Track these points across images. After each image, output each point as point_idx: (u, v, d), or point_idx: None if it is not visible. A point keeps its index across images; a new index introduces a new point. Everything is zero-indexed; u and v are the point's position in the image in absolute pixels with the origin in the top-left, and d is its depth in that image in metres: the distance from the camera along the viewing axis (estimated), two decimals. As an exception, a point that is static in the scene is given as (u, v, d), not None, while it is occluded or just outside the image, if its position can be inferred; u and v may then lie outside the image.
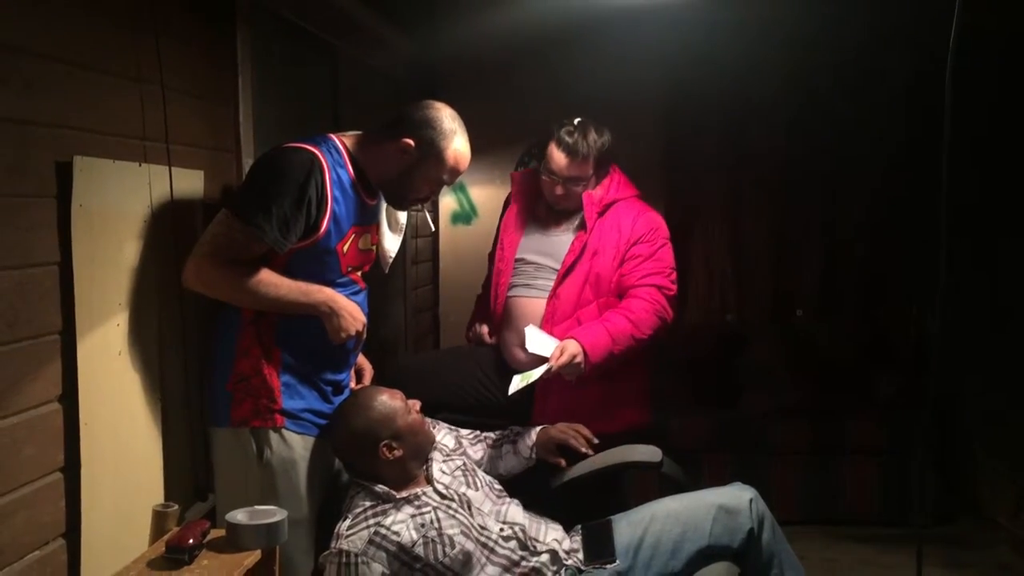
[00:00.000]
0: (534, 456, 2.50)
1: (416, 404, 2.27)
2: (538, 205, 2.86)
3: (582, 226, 2.74)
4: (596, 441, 2.49)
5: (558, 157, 2.68)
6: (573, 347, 2.52)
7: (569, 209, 2.78)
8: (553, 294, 2.71)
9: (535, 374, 2.50)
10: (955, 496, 4.05)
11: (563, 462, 2.49)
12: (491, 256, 3.00)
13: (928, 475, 3.96)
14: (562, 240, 2.77)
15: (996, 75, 3.72)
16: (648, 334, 2.63)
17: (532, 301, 2.75)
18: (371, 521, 2.06)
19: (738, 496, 2.26)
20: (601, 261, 2.69)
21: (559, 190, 2.71)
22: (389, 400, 2.22)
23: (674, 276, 2.75)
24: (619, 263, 2.69)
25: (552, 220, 2.82)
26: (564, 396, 2.65)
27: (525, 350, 2.60)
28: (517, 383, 2.49)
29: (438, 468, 2.28)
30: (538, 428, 2.54)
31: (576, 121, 2.71)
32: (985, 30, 3.11)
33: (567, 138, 2.67)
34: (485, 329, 2.89)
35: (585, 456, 2.48)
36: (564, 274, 2.70)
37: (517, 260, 2.81)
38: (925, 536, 3.74)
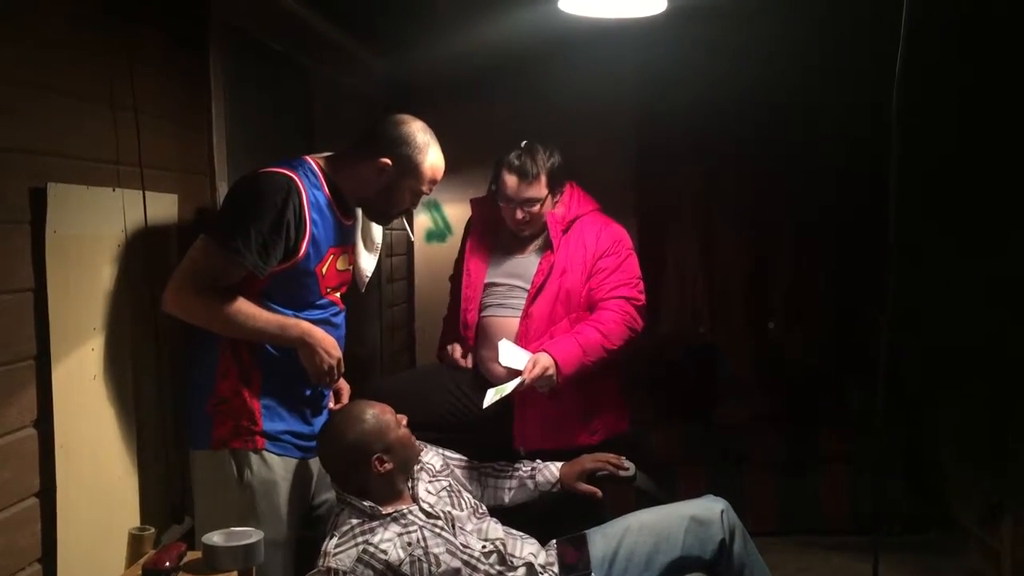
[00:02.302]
0: (556, 490, 2.53)
1: (404, 419, 2.29)
2: (501, 230, 2.88)
3: (548, 245, 2.78)
4: (627, 466, 2.55)
5: (510, 181, 2.71)
6: (545, 360, 2.57)
7: (533, 233, 2.82)
8: (525, 314, 2.75)
9: (508, 387, 2.54)
10: (925, 503, 4.11)
11: (599, 492, 2.53)
12: (453, 279, 3.04)
13: (897, 484, 4.01)
14: (529, 260, 2.81)
15: (958, 76, 3.81)
16: (619, 344, 2.69)
17: (506, 320, 2.79)
18: (359, 539, 2.07)
19: (710, 508, 2.30)
20: (570, 278, 2.74)
21: (519, 214, 2.74)
22: (381, 414, 2.23)
23: (641, 286, 2.80)
24: (587, 278, 2.74)
25: (516, 244, 2.85)
26: (542, 409, 2.69)
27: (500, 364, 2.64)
28: (491, 397, 2.53)
29: (424, 488, 2.29)
30: (559, 464, 2.57)
31: (523, 143, 2.75)
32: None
33: (516, 161, 2.71)
34: (458, 352, 2.90)
35: (626, 479, 2.53)
36: (535, 294, 2.74)
37: (487, 284, 2.85)
38: (896, 544, 3.85)
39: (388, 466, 2.18)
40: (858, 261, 4.47)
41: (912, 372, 4.28)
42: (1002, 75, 3.47)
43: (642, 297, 2.79)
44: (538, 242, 2.82)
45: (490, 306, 2.83)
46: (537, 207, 2.73)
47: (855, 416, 4.18)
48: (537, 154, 2.71)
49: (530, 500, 2.55)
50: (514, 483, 2.54)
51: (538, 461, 2.61)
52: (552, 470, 2.56)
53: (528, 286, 2.76)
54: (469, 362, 2.88)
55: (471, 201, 2.99)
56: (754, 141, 4.62)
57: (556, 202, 2.80)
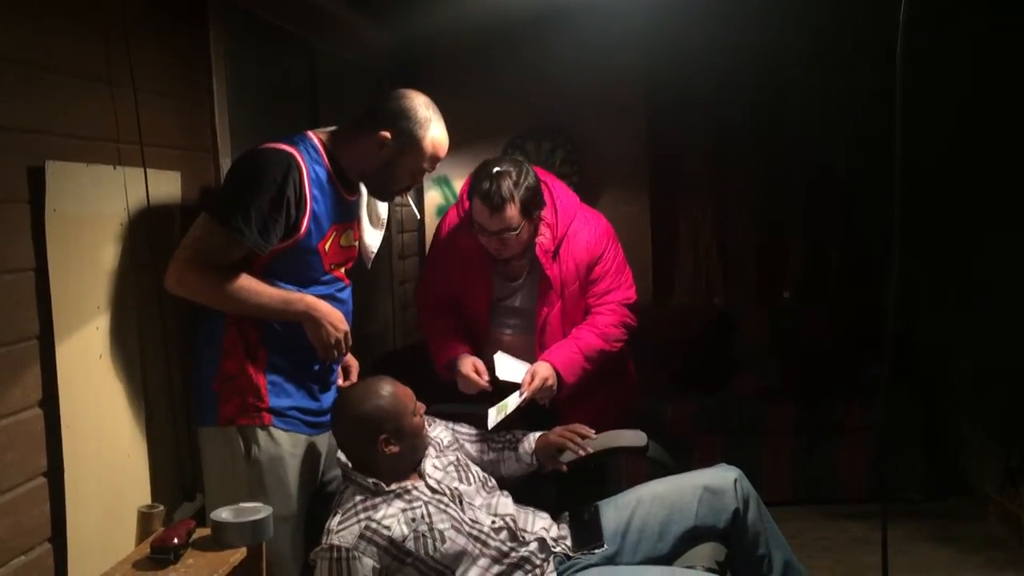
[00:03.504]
0: (535, 462, 2.47)
1: (422, 408, 2.26)
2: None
3: (542, 277, 2.66)
4: (594, 436, 2.44)
5: (479, 210, 2.54)
6: (544, 370, 2.53)
7: (515, 257, 2.66)
8: (539, 343, 2.68)
9: (510, 404, 2.48)
10: (944, 470, 4.08)
11: (565, 467, 2.45)
12: (421, 283, 2.94)
13: (915, 451, 3.99)
14: (528, 289, 2.72)
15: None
16: (618, 346, 2.68)
17: (520, 337, 2.73)
18: (361, 516, 2.06)
19: (723, 477, 2.28)
20: (568, 296, 2.68)
21: (494, 243, 2.59)
22: (400, 396, 2.20)
23: (630, 280, 2.76)
24: (584, 290, 2.70)
25: (510, 270, 2.73)
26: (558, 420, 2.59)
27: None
28: (494, 416, 2.47)
29: (430, 464, 2.28)
30: (537, 434, 2.50)
31: (494, 171, 2.53)
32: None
33: (483, 187, 2.51)
34: (479, 368, 2.65)
35: (585, 457, 2.43)
36: (542, 325, 2.68)
37: (492, 305, 2.75)
38: (915, 511, 3.83)
39: (394, 449, 2.16)
40: (874, 230, 4.43)
41: (929, 340, 4.24)
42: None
43: (633, 292, 2.75)
44: (533, 270, 2.70)
45: (500, 326, 2.76)
46: (512, 235, 2.56)
47: (870, 385, 4.15)
48: (504, 181, 2.50)
49: (524, 473, 2.48)
50: (506, 454, 2.50)
51: (520, 432, 2.53)
52: (530, 440, 2.49)
53: (532, 306, 2.70)
54: (486, 379, 2.67)
55: (459, 209, 2.75)
56: (767, 109, 4.57)
57: (536, 223, 2.63)
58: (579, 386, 2.60)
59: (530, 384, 2.50)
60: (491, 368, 2.63)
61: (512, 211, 2.52)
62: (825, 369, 4.28)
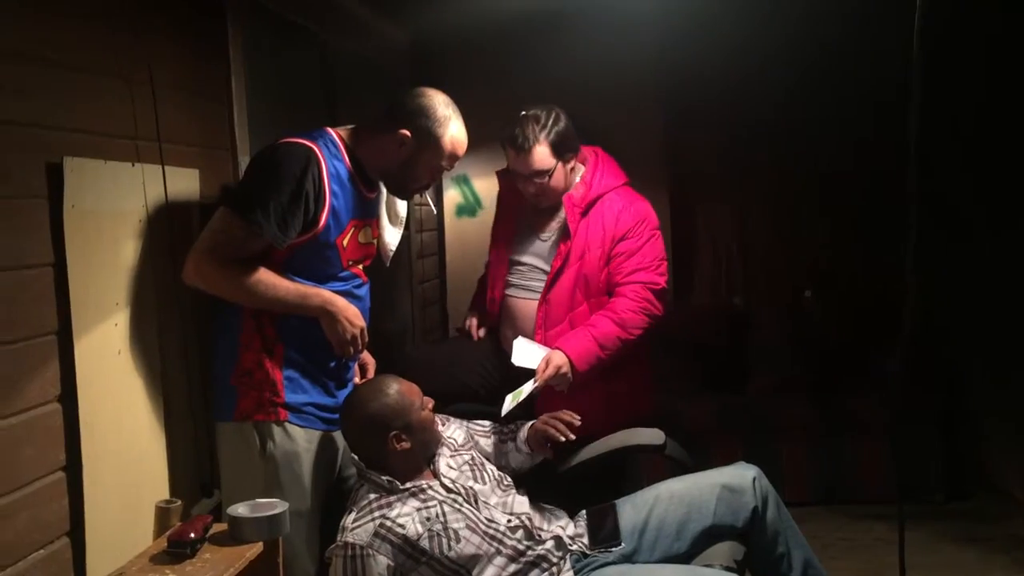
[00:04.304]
0: (529, 450, 2.44)
1: (430, 402, 2.26)
2: (526, 205, 2.79)
3: (565, 231, 2.68)
4: (578, 422, 2.37)
5: (511, 155, 2.63)
6: (558, 358, 2.51)
7: (553, 204, 2.72)
8: (543, 300, 2.68)
9: (524, 391, 2.48)
10: (966, 469, 4.03)
11: (552, 455, 2.44)
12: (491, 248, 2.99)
13: (938, 451, 3.94)
14: (549, 243, 2.73)
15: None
16: (636, 333, 2.60)
17: (527, 303, 2.73)
18: (376, 513, 2.07)
19: (741, 475, 2.26)
20: (588, 262, 2.64)
21: (530, 187, 2.65)
22: (407, 392, 2.21)
23: (663, 267, 2.69)
24: (605, 261, 2.64)
25: (539, 222, 2.76)
26: (564, 403, 2.54)
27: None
28: (509, 403, 2.47)
29: (445, 463, 2.28)
30: (530, 423, 2.48)
31: (522, 115, 2.63)
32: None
33: (512, 132, 2.60)
34: (474, 323, 2.88)
35: (567, 445, 2.38)
36: (552, 280, 2.67)
37: (511, 260, 2.79)
38: (939, 512, 3.79)
39: (405, 445, 2.16)
40: (894, 227, 4.37)
41: (951, 338, 4.19)
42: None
43: (662, 280, 2.67)
44: (559, 222, 2.73)
45: (512, 285, 2.79)
46: (546, 179, 2.62)
47: (890, 383, 4.11)
48: (530, 123, 2.59)
49: (529, 464, 2.46)
50: (508, 446, 2.48)
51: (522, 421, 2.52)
52: (525, 429, 2.47)
53: (548, 268, 2.70)
54: (482, 333, 2.85)
55: (497, 173, 2.93)
56: (785, 107, 4.54)
57: (571, 169, 2.69)
58: (593, 374, 2.57)
59: (543, 372, 2.49)
60: (509, 353, 2.64)
61: (541, 151, 2.58)
62: (845, 367, 4.25)
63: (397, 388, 2.21)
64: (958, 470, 4.01)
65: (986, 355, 3.98)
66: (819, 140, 4.53)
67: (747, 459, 2.41)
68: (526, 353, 2.58)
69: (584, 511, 2.36)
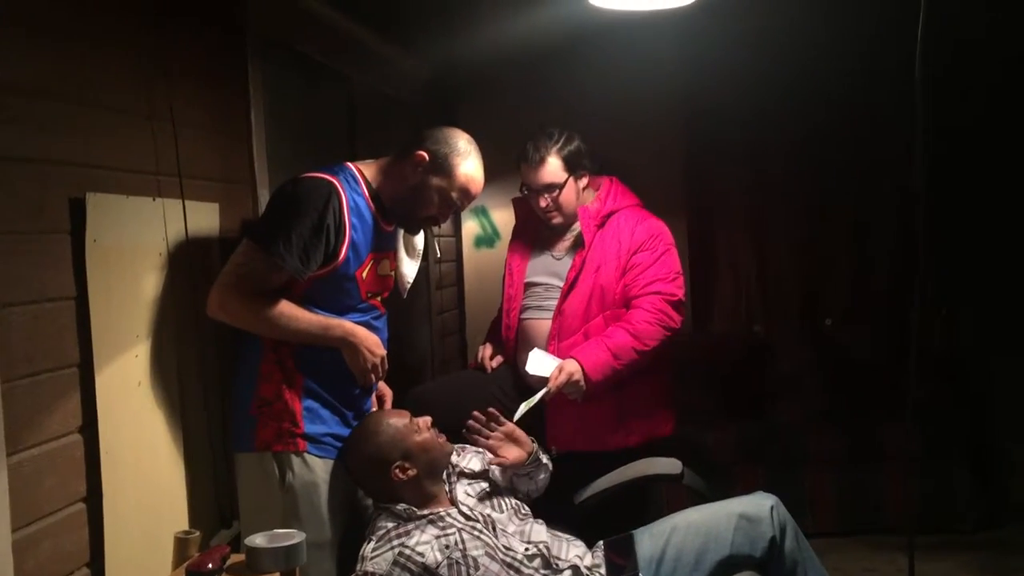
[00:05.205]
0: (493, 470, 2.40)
1: (426, 421, 2.27)
2: (539, 229, 2.86)
3: (581, 242, 2.74)
4: (501, 423, 2.38)
5: (524, 170, 2.71)
6: (571, 366, 2.53)
7: (563, 223, 2.77)
8: (558, 311, 2.71)
9: (536, 397, 2.51)
10: (996, 497, 3.97)
11: (525, 455, 2.38)
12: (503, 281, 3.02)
13: (966, 479, 3.88)
14: (565, 260, 2.77)
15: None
16: (652, 345, 2.62)
17: (542, 322, 2.76)
18: (395, 542, 2.07)
19: (759, 504, 2.24)
20: (604, 274, 2.68)
21: (542, 202, 2.71)
22: (395, 422, 2.23)
23: (680, 281, 2.73)
24: (621, 274, 2.68)
25: (554, 240, 2.82)
26: (575, 409, 2.64)
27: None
28: (521, 409, 2.49)
29: (463, 490, 2.28)
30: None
31: (535, 133, 2.73)
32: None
33: (525, 149, 2.70)
34: (488, 353, 2.88)
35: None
36: (567, 291, 2.70)
37: (527, 284, 2.82)
38: (968, 542, 3.73)
39: (411, 472, 2.17)
40: (915, 254, 4.36)
41: (978, 366, 4.14)
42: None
43: (679, 292, 2.71)
44: (573, 238, 2.78)
45: (529, 308, 2.81)
46: (557, 192, 2.68)
47: (916, 411, 4.05)
48: (542, 139, 2.68)
49: (535, 485, 2.44)
50: (509, 472, 2.44)
51: None
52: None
53: (562, 284, 2.72)
54: (496, 363, 2.85)
55: (513, 201, 2.97)
56: (805, 135, 4.54)
57: (584, 188, 2.75)
58: (608, 385, 2.58)
59: (556, 379, 2.51)
60: (524, 364, 2.67)
61: (552, 163, 2.66)
62: (869, 395, 4.20)
63: (387, 420, 2.23)
64: (987, 498, 3.94)
65: (1014, 382, 3.92)
66: (841, 167, 4.53)
67: (769, 488, 2.39)
68: (540, 363, 2.61)
69: (601, 541, 2.35)
